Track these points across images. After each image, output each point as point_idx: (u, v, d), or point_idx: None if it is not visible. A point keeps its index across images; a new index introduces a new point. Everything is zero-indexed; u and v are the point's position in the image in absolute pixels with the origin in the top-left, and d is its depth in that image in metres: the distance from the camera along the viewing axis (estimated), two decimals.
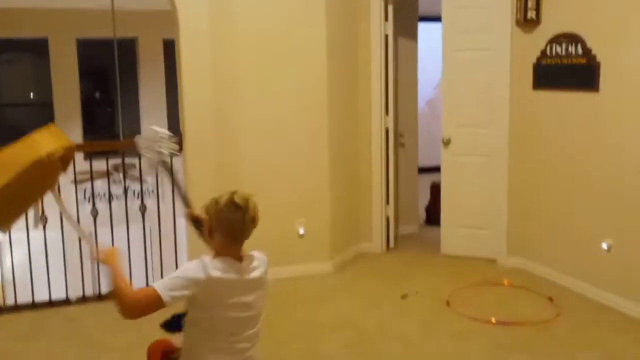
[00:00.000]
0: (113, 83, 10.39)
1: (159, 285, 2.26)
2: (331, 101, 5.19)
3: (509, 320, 4.14)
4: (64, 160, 1.93)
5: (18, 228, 4.50)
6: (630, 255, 4.22)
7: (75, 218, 4.08)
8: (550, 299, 4.53)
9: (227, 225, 2.40)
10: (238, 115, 4.91)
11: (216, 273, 2.30)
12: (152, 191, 6.51)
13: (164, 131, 2.97)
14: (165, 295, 2.25)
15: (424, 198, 7.25)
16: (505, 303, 4.55)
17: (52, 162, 1.87)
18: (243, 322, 2.41)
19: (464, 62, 5.45)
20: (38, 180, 1.92)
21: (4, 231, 1.93)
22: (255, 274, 2.49)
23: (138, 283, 4.82)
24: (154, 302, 2.27)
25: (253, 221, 2.49)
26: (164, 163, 3.08)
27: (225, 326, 2.38)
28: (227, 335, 2.39)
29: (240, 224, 2.42)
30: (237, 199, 2.43)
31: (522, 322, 4.12)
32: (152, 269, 5.23)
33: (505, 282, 4.94)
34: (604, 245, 4.40)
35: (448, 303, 4.49)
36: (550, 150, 4.95)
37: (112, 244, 4.77)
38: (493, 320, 4.15)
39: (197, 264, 2.32)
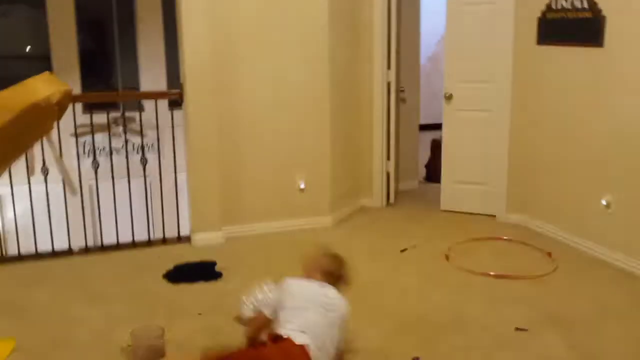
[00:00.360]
0: (111, 35, 10.25)
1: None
2: (333, 54, 5.15)
3: (506, 274, 4.19)
4: (61, 105, 1.91)
5: (20, 182, 4.54)
6: (629, 211, 4.25)
7: (69, 168, 4.07)
8: (549, 254, 4.58)
9: None
10: (238, 68, 4.86)
11: None
12: (152, 145, 6.49)
13: None
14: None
15: (425, 155, 7.26)
16: (504, 257, 4.60)
17: (48, 107, 1.85)
18: None
19: (467, 16, 5.38)
20: (34, 124, 1.90)
21: None
22: None
23: (139, 236, 4.88)
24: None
25: None
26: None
27: None
28: None
29: None
30: None
31: (520, 275, 4.17)
32: (153, 222, 5.27)
33: (504, 237, 4.98)
34: (603, 202, 4.43)
35: (447, 257, 4.54)
36: (552, 106, 4.94)
37: (114, 197, 4.81)
38: (491, 273, 4.20)
39: None
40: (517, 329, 3.39)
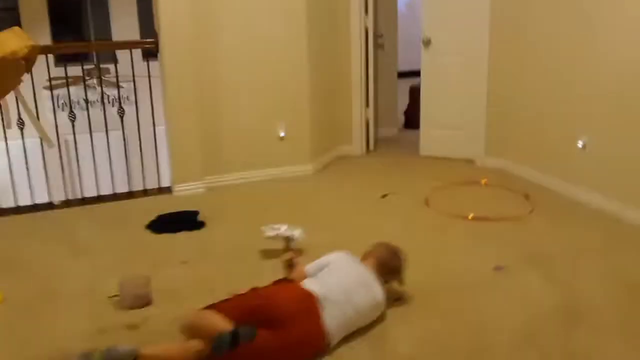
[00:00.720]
0: None
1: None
2: (310, 1, 5.07)
3: (485, 216, 4.27)
4: (28, 59, 1.89)
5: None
6: (605, 152, 4.33)
7: (44, 121, 4.01)
8: (526, 196, 4.67)
9: None
10: (215, 18, 4.78)
11: None
12: (128, 97, 6.41)
13: None
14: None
15: (403, 103, 7.27)
16: (483, 201, 4.68)
17: (15, 61, 1.84)
18: None
19: None
20: (1, 77, 1.89)
21: None
22: None
23: (119, 187, 4.86)
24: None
25: None
26: None
27: None
28: None
29: None
30: None
31: (498, 217, 4.26)
32: (134, 174, 5.23)
33: (483, 181, 5.06)
34: (580, 144, 4.51)
35: (427, 202, 4.61)
36: (530, 50, 4.95)
37: (92, 150, 4.77)
38: (470, 216, 4.28)
39: None
40: (495, 268, 3.48)
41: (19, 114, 4.33)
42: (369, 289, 2.87)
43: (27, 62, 1.89)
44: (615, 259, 3.61)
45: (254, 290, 2.81)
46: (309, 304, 2.66)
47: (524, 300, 3.14)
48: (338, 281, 2.83)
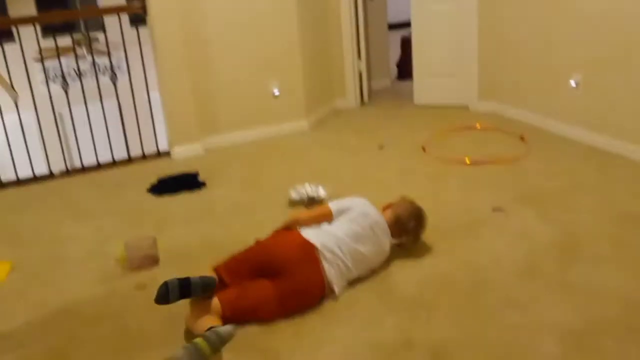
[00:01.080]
0: None
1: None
2: None
3: (481, 160, 4.31)
4: None
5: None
6: (597, 90, 4.35)
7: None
8: (522, 138, 4.71)
9: None
10: None
11: None
12: (119, 66, 6.38)
13: None
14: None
15: (395, 54, 7.24)
16: (479, 145, 4.72)
17: None
18: None
19: None
20: None
21: None
22: None
23: (117, 154, 4.88)
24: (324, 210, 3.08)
25: None
26: None
27: None
28: None
29: None
30: None
31: (495, 160, 4.30)
32: (131, 140, 5.24)
33: (478, 125, 5.09)
34: (572, 82, 4.52)
35: (423, 149, 4.64)
36: None
37: (88, 119, 4.77)
38: (467, 160, 4.33)
39: None
40: (493, 209, 3.54)
41: (11, 84, 4.33)
42: (377, 240, 2.92)
43: None
44: (608, 192, 3.67)
45: (257, 243, 2.87)
46: (309, 252, 2.72)
47: (523, 237, 3.21)
48: (348, 230, 2.85)
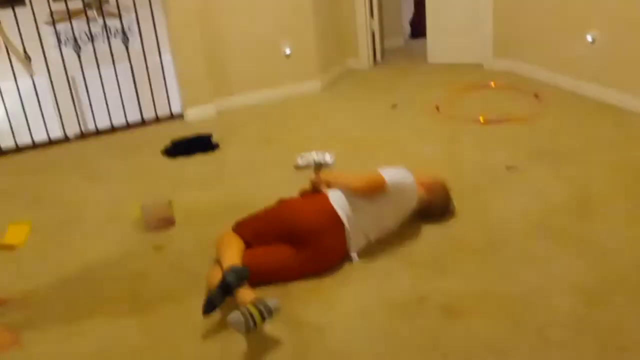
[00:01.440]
0: None
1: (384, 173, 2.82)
2: None
3: (495, 118, 4.28)
4: None
5: (6, 78, 4.47)
6: (614, 46, 4.27)
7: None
8: (536, 95, 4.65)
9: None
10: None
11: None
12: (130, 28, 6.34)
13: None
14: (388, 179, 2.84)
15: (408, 12, 7.13)
16: (493, 103, 4.68)
17: None
18: None
19: None
20: None
21: None
22: None
23: (131, 117, 4.90)
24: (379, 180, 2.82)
25: None
26: None
27: None
28: None
29: None
30: None
31: (509, 118, 4.27)
32: (144, 103, 5.25)
33: (492, 83, 5.03)
34: (589, 38, 4.44)
35: (437, 108, 4.61)
36: None
37: (101, 83, 4.78)
38: (481, 119, 4.29)
39: None
40: (507, 167, 3.52)
41: (24, 51, 4.32)
42: (404, 213, 2.91)
43: None
44: (624, 151, 3.64)
45: (281, 202, 2.86)
46: (335, 224, 2.69)
47: (537, 195, 3.20)
48: (381, 210, 2.81)
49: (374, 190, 2.78)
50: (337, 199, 2.76)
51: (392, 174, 2.84)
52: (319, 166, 3.68)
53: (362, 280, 2.62)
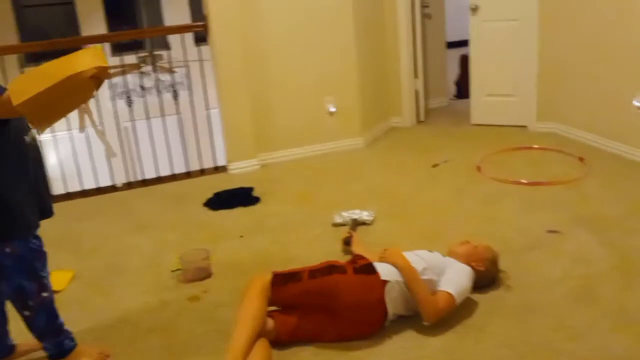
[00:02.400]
0: None
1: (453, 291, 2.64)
2: None
3: (538, 181, 4.23)
4: (96, 79, 2.09)
5: (60, 129, 4.68)
6: None
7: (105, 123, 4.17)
8: (581, 159, 4.59)
9: None
10: None
11: None
12: (182, 82, 6.58)
13: None
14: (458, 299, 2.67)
15: (454, 72, 7.20)
16: (536, 165, 4.63)
17: (83, 80, 2.04)
18: None
19: None
20: (71, 93, 2.11)
21: (40, 132, 2.17)
22: None
23: (177, 168, 5.01)
24: (451, 306, 2.65)
25: None
26: None
27: None
28: None
29: None
30: None
31: (552, 181, 4.21)
32: (190, 155, 5.41)
33: (535, 145, 4.99)
34: (636, 103, 4.39)
35: (479, 168, 4.59)
36: (581, 10, 4.83)
37: (152, 134, 4.95)
38: (523, 181, 4.25)
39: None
40: (549, 231, 3.46)
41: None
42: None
43: (95, 82, 2.09)
44: None
45: (329, 268, 2.67)
46: (381, 308, 2.60)
47: (578, 261, 3.13)
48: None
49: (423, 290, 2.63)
50: (391, 291, 2.62)
51: (457, 286, 2.67)
52: (355, 224, 3.69)
53: (394, 341, 2.58)
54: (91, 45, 2.28)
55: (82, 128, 2.27)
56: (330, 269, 2.67)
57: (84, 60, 2.08)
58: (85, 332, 2.83)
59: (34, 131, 2.37)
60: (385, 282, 2.61)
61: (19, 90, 2.04)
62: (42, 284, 2.41)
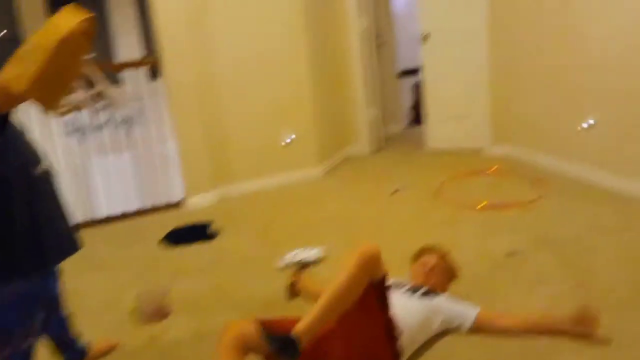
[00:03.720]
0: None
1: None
2: (306, 6, 5.12)
3: (496, 204, 4.28)
4: (86, 32, 1.98)
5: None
6: (612, 131, 4.32)
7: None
8: (536, 181, 4.67)
9: None
10: (212, 27, 4.85)
11: None
12: (134, 118, 6.50)
13: None
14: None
15: (408, 100, 7.30)
16: (493, 189, 4.69)
17: (76, 37, 1.94)
18: None
19: None
20: (69, 56, 1.99)
21: (55, 113, 2.01)
22: None
23: (132, 204, 4.91)
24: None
25: None
26: None
27: None
28: None
29: None
30: None
31: (509, 204, 4.26)
32: (144, 191, 5.31)
33: (491, 169, 5.06)
34: (586, 124, 4.50)
35: (437, 194, 4.62)
36: (530, 36, 4.96)
37: (107, 171, 4.84)
38: (481, 205, 4.29)
39: None
40: (507, 254, 3.48)
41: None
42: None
43: (86, 35, 1.98)
44: (628, 237, 3.60)
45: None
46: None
47: (538, 283, 3.14)
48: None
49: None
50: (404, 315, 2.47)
51: (459, 305, 2.75)
52: (301, 265, 3.53)
53: None
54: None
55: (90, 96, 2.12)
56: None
57: (67, 19, 1.97)
58: None
59: (45, 162, 2.21)
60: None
61: (16, 76, 1.88)
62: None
